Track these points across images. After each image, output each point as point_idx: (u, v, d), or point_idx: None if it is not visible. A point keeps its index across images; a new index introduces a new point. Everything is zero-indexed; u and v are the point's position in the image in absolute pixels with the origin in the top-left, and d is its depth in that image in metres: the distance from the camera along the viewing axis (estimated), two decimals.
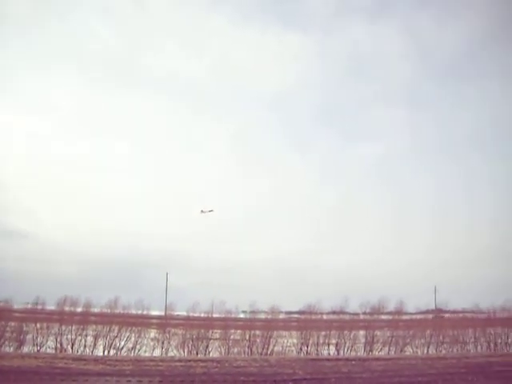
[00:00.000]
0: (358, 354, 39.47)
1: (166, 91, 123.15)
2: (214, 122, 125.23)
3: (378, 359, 32.48)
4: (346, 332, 41.27)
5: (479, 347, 43.60)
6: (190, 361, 29.83)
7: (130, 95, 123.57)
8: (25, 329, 37.93)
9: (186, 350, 38.19)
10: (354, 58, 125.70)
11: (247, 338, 39.68)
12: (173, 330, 41.54)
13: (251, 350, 38.17)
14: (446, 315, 51.14)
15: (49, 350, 36.21)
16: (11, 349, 36.24)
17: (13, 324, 38.54)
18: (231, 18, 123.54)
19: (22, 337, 37.30)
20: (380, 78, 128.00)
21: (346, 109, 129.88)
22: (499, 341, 43.99)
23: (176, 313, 49.12)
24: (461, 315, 51.17)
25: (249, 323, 42.61)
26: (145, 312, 43.71)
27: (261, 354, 37.64)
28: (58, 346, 37.28)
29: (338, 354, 39.40)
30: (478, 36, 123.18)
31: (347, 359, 32.66)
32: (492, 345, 43.66)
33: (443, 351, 41.42)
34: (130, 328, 38.93)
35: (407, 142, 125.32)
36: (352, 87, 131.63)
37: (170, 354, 37.47)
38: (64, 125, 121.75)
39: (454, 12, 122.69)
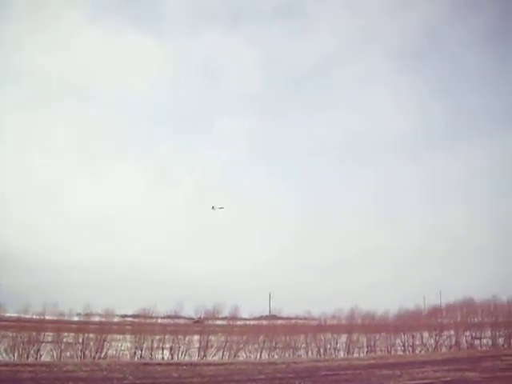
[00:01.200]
0: (192, 358, 38.94)
1: None
2: None
3: (210, 364, 32.16)
4: (180, 336, 40.63)
5: (310, 352, 44.99)
6: (17, 365, 27.72)
7: None
8: None
9: (15, 354, 35.43)
10: (206, 65, 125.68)
11: (80, 341, 37.81)
12: (2, 333, 38.47)
13: (84, 354, 36.30)
14: (279, 322, 52.49)
15: None
16: None
17: None
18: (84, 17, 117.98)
19: None
20: (231, 87, 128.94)
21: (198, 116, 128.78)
22: (328, 346, 45.79)
23: (6, 314, 45.78)
24: (293, 321, 52.76)
25: (82, 326, 40.60)
26: None
27: (94, 357, 35.95)
28: None
29: (172, 358, 38.61)
30: (331, 49, 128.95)
31: (179, 364, 32.00)
32: (322, 350, 45.28)
33: (275, 356, 42.05)
34: None
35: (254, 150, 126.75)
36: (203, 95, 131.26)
37: None
38: None
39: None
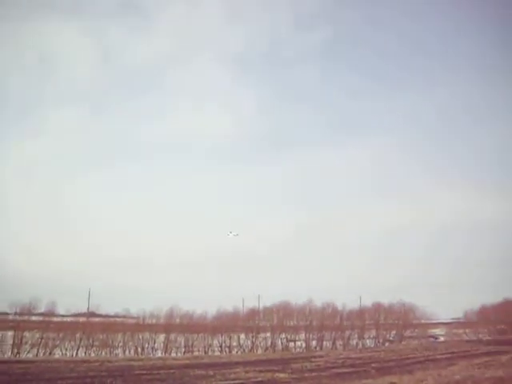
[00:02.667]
0: (5, 356, 37.40)
1: None
2: None
3: (21, 362, 31.01)
4: None
5: (127, 351, 45.09)
6: None
7: None
8: None
9: None
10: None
11: None
12: None
13: None
14: (98, 319, 51.70)
15: None
16: None
17: None
18: None
19: None
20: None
21: None
22: (146, 345, 46.22)
23: None
24: (112, 319, 52.28)
25: None
26: None
27: None
28: None
29: None
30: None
31: None
32: (139, 349, 45.58)
33: (92, 354, 41.65)
34: None
35: None
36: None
37: None
38: None
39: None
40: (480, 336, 62.77)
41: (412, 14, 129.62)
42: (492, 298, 68.27)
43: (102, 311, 54.03)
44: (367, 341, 59.00)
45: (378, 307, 63.55)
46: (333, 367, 28.54)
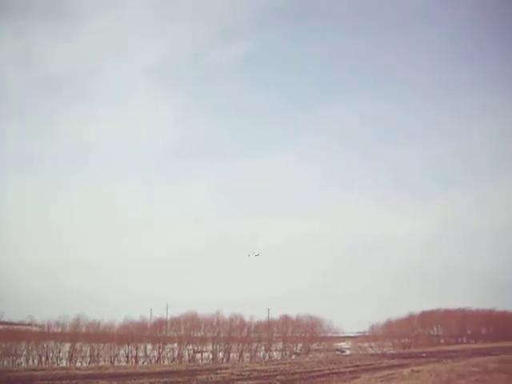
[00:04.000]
0: None
1: None
2: None
3: None
4: None
5: (31, 360, 44.34)
6: None
7: None
8: None
9: None
10: None
11: None
12: None
13: None
14: (1, 326, 50.26)
15: None
16: None
17: None
18: None
19: None
20: None
21: None
22: (51, 354, 45.61)
23: None
24: (15, 327, 51.03)
25: None
26: None
27: None
28: None
29: None
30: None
31: None
32: (43, 358, 44.92)
33: None
34: None
35: None
36: None
37: None
38: None
39: None
40: (384, 349, 65.43)
41: None
42: (397, 311, 71.67)
43: (6, 318, 52.50)
44: (274, 353, 60.20)
45: (285, 320, 65.16)
46: (238, 379, 29.06)
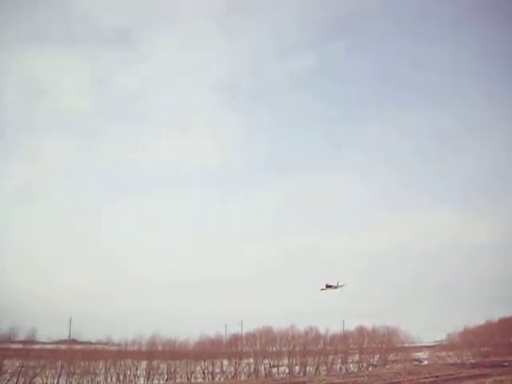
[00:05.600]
0: None
1: None
2: None
3: None
4: None
5: (109, 378, 44.30)
6: None
7: None
8: None
9: None
10: None
11: None
12: None
13: None
14: (79, 346, 50.50)
15: None
16: None
17: None
18: None
19: None
20: None
21: None
22: (128, 372, 45.46)
23: None
24: (93, 346, 51.22)
25: None
26: None
27: None
28: None
29: None
30: None
31: None
32: (121, 376, 44.82)
33: (73, 382, 40.74)
34: None
35: None
36: None
37: None
38: None
39: None
40: (464, 359, 62.80)
41: None
42: (474, 319, 68.85)
43: (84, 338, 52.81)
44: (351, 365, 58.50)
45: (361, 331, 63.44)
46: None
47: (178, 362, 48.71)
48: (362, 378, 38.78)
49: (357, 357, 59.82)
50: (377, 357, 60.52)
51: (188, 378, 47.50)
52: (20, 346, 43.91)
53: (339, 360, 57.53)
